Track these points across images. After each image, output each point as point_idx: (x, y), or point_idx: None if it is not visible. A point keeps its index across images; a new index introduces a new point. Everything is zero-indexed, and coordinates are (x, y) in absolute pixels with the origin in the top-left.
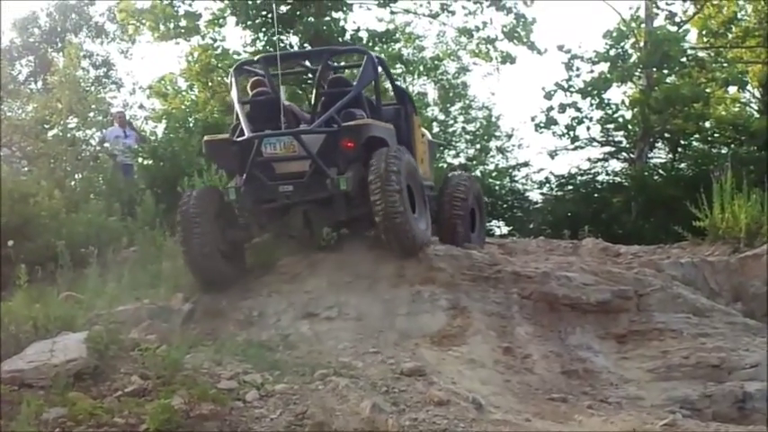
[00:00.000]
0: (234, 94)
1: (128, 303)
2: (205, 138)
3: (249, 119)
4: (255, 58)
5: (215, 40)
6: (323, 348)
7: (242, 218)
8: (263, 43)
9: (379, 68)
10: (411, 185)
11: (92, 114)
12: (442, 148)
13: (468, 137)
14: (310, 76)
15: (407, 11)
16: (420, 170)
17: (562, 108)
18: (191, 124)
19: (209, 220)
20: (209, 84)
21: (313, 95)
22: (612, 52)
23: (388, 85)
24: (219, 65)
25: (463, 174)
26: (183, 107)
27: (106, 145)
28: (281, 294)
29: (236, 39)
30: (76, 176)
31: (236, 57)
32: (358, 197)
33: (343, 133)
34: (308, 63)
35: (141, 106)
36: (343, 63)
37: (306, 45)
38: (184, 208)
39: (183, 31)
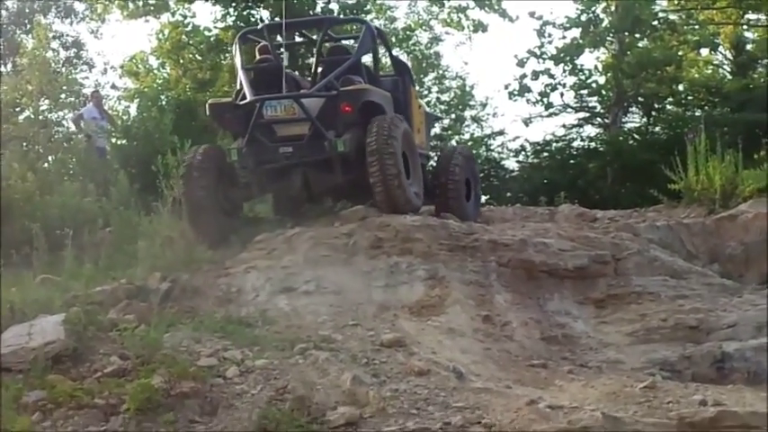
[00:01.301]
0: (237, 60)
1: (105, 284)
2: (209, 101)
3: (252, 84)
4: (259, 26)
5: (185, 17)
6: (302, 323)
7: (243, 178)
8: (233, 18)
9: (378, 40)
10: (407, 152)
11: (63, 96)
12: (438, 120)
13: (442, 107)
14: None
15: None
16: (416, 139)
17: (535, 75)
18: (163, 103)
19: (211, 176)
20: (181, 61)
21: (313, 63)
22: (584, 18)
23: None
24: (190, 42)
25: (458, 146)
26: (155, 85)
27: (82, 124)
28: (259, 270)
29: (207, 15)
30: (50, 158)
31: (206, 33)
32: (355, 160)
33: (341, 97)
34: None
35: (113, 86)
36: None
37: (276, 18)
38: (189, 163)
39: (152, 8)
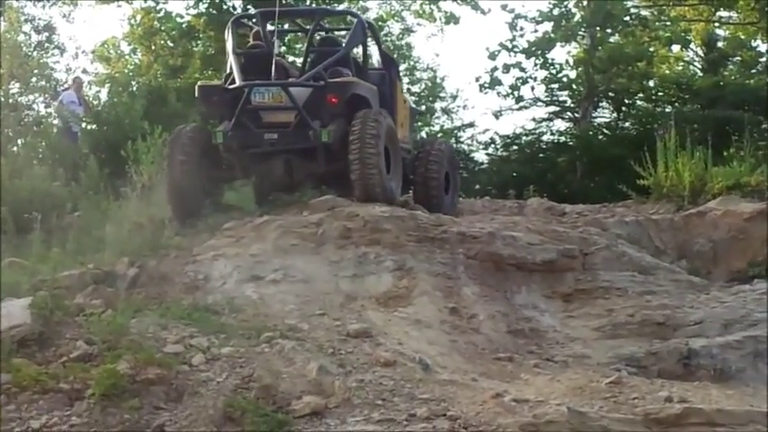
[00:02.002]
0: (229, 44)
1: (72, 269)
2: (198, 83)
3: (242, 69)
4: (252, 12)
5: (157, 3)
6: (269, 311)
7: (226, 160)
8: (205, 5)
9: (369, 33)
10: (388, 147)
11: (34, 80)
12: (421, 115)
13: (413, 98)
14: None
15: None
16: (399, 133)
17: (506, 68)
18: (134, 88)
19: (195, 155)
20: (152, 47)
21: (304, 52)
22: (556, 12)
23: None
24: (162, 28)
25: (438, 139)
26: (126, 71)
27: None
28: (227, 258)
29: (179, 1)
30: (19, 142)
31: (178, 20)
32: (338, 151)
33: (328, 88)
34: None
35: (84, 71)
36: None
37: (249, 7)
38: (174, 141)
39: None
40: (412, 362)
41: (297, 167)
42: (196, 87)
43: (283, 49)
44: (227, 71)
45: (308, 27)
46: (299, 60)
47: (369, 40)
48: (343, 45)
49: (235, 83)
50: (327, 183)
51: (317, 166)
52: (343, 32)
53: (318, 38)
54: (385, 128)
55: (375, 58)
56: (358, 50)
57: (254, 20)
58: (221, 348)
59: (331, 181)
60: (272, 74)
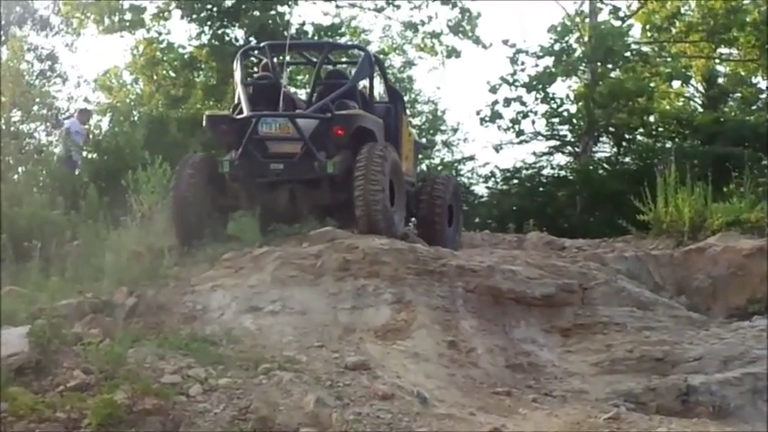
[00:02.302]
0: (237, 75)
1: (71, 297)
2: (207, 113)
3: (250, 100)
4: (261, 45)
5: (160, 34)
6: (267, 342)
7: (232, 189)
8: (207, 37)
9: (376, 67)
10: (393, 180)
11: (36, 108)
12: (426, 149)
13: (414, 130)
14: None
15: (353, 5)
16: (404, 166)
17: (507, 102)
18: (135, 118)
19: (201, 183)
20: (154, 77)
21: (311, 84)
22: (557, 47)
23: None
24: (164, 58)
25: (442, 173)
26: (128, 100)
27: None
28: (225, 289)
29: (182, 32)
30: (19, 170)
31: (180, 50)
32: (343, 182)
33: (335, 120)
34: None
35: (86, 99)
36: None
37: (251, 39)
38: (181, 169)
39: (127, 24)
40: (410, 395)
41: (301, 197)
42: (204, 116)
43: (286, 81)
44: (236, 101)
45: (314, 59)
46: (303, 92)
47: (375, 73)
48: (350, 78)
49: (242, 113)
50: (331, 213)
51: (321, 196)
52: (347, 64)
53: (326, 71)
54: (390, 162)
55: (381, 91)
56: (364, 83)
57: (262, 51)
58: (219, 379)
59: (334, 211)
60: (280, 105)
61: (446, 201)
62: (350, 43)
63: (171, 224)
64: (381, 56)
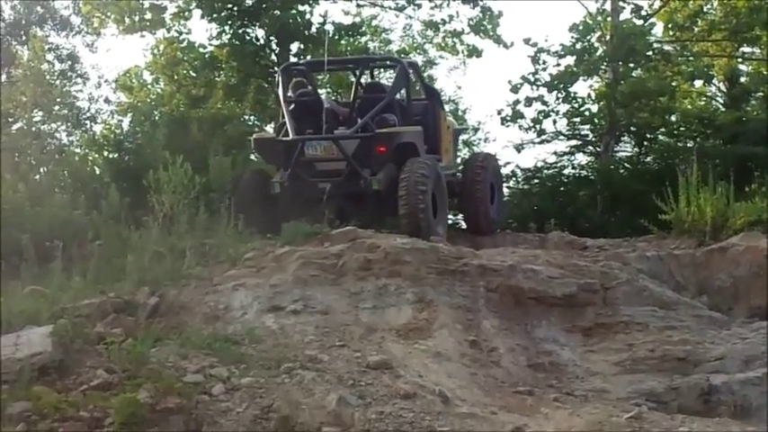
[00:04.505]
0: (280, 93)
1: (93, 297)
2: (254, 136)
3: (293, 117)
4: (301, 62)
5: (180, 33)
6: (289, 342)
7: (283, 204)
8: (228, 36)
9: (412, 72)
10: (435, 193)
11: (57, 108)
12: (464, 131)
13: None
14: None
15: (373, 4)
16: (444, 160)
17: (528, 101)
18: (156, 117)
19: (254, 199)
20: (175, 77)
21: (351, 96)
22: (579, 46)
23: None
24: (185, 58)
25: (482, 153)
26: (149, 100)
27: None
28: (247, 288)
29: (202, 32)
30: (41, 170)
31: (201, 50)
32: (388, 194)
33: (376, 139)
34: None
35: (107, 100)
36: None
37: (272, 38)
38: (238, 186)
39: (148, 23)
40: (432, 394)
41: (348, 211)
42: (252, 140)
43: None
44: (280, 120)
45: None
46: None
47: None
48: (388, 92)
49: (288, 134)
50: (376, 219)
51: (367, 209)
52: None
53: (365, 83)
54: (432, 178)
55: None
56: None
57: (301, 69)
58: (241, 378)
59: (379, 216)
60: (323, 125)
61: (488, 180)
62: (385, 56)
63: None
64: (402, 55)
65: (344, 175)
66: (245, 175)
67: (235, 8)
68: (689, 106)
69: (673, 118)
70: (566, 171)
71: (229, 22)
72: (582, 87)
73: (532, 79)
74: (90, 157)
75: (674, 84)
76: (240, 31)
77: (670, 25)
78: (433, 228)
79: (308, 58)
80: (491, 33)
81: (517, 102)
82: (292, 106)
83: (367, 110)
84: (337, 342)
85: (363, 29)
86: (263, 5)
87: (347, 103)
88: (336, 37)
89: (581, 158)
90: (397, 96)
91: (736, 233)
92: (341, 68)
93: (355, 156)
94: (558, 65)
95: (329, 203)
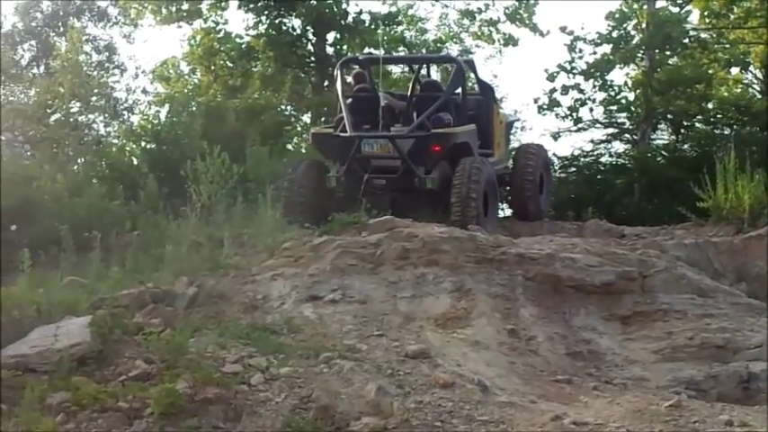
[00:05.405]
0: (339, 87)
1: (131, 287)
2: (312, 130)
3: (351, 111)
4: (359, 57)
5: (217, 24)
6: (327, 331)
7: (338, 194)
8: (264, 26)
9: (467, 68)
10: (488, 191)
11: (94, 99)
12: (517, 122)
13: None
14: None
15: None
16: (496, 154)
17: (565, 90)
18: (193, 108)
19: (310, 189)
20: (212, 67)
21: (409, 92)
22: (615, 34)
23: None
24: (222, 48)
25: (532, 144)
26: (186, 91)
27: None
28: (285, 278)
29: (239, 22)
30: (79, 161)
31: (238, 40)
32: (440, 191)
33: (432, 138)
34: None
35: (144, 91)
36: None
37: (308, 28)
38: (292, 175)
39: (185, 14)
40: (470, 383)
41: (403, 205)
42: (310, 134)
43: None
44: (338, 114)
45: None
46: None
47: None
48: (444, 91)
49: (345, 129)
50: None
51: (421, 203)
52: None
53: (422, 81)
54: (484, 178)
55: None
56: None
57: (360, 63)
58: (280, 368)
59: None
60: (380, 122)
61: (538, 170)
62: (443, 55)
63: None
64: (438, 44)
65: (399, 172)
66: (301, 164)
67: None
68: (725, 93)
69: (709, 105)
70: (603, 159)
71: (266, 13)
72: (618, 75)
73: (569, 67)
74: (127, 148)
75: (710, 71)
76: (276, 21)
77: (706, 12)
78: (483, 226)
79: (344, 48)
80: (527, 22)
81: (554, 90)
82: (350, 101)
83: (423, 108)
84: (376, 331)
85: (399, 18)
86: None
87: (403, 96)
88: (373, 26)
89: (618, 146)
90: (453, 94)
91: None
92: (398, 64)
93: (411, 154)
94: (595, 53)
95: (383, 199)
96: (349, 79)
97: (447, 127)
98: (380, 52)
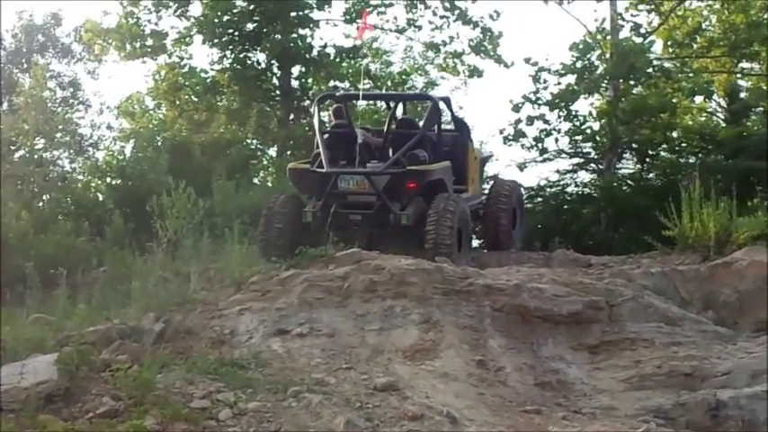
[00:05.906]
0: (315, 122)
1: (98, 324)
2: (289, 165)
3: (328, 147)
4: (336, 94)
5: (182, 59)
6: (295, 365)
7: (314, 228)
8: (229, 61)
9: (443, 106)
10: (461, 228)
11: (59, 135)
12: (489, 159)
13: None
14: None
15: (374, 26)
16: (470, 189)
17: (530, 120)
18: (158, 143)
19: (287, 222)
20: (177, 102)
21: (385, 129)
22: (579, 64)
23: None
24: (187, 83)
25: (507, 181)
26: (151, 126)
27: None
28: (253, 312)
29: (203, 57)
30: (44, 197)
31: (203, 75)
32: (415, 227)
33: (407, 175)
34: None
35: (109, 126)
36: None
37: (273, 62)
38: (270, 207)
39: (149, 50)
40: (439, 415)
41: (378, 239)
42: (287, 169)
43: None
44: (315, 150)
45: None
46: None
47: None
48: (420, 128)
49: (322, 164)
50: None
51: (395, 239)
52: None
53: (397, 119)
54: (458, 214)
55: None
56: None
57: (336, 100)
58: (248, 403)
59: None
60: (357, 158)
61: (511, 206)
62: (418, 93)
63: (261, 254)
64: (403, 77)
65: (375, 208)
66: (279, 197)
67: (236, 33)
68: (690, 122)
69: (674, 134)
70: (569, 189)
71: (230, 47)
72: (583, 105)
73: (534, 98)
74: (93, 184)
75: (674, 100)
76: (241, 55)
77: (669, 42)
78: (456, 261)
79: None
80: (492, 53)
81: (519, 121)
82: (327, 136)
83: (399, 144)
84: (344, 365)
85: (364, 51)
86: (264, 30)
87: (379, 132)
88: (338, 60)
89: (584, 176)
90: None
91: (739, 247)
92: (375, 101)
93: (386, 190)
94: (559, 83)
95: (359, 234)
96: (324, 115)
97: (422, 164)
98: (347, 85)
